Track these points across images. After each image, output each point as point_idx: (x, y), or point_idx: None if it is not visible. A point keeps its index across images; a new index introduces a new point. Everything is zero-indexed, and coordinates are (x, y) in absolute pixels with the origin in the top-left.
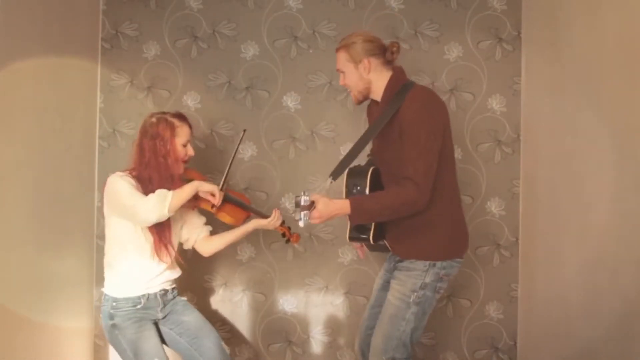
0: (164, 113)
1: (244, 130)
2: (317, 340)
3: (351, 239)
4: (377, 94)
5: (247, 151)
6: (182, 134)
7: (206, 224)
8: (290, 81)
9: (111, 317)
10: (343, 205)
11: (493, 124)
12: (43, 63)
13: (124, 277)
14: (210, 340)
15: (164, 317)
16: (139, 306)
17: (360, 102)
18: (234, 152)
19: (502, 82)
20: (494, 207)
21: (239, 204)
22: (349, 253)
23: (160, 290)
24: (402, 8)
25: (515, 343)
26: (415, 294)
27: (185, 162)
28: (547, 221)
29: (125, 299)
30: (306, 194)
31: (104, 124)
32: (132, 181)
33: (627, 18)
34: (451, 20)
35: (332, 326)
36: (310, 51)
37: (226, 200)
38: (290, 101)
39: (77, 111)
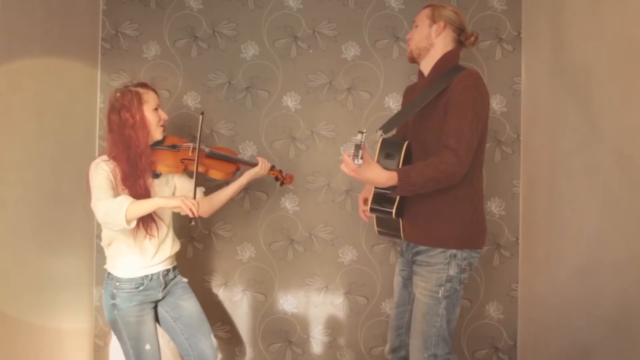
0: (126, 86)
1: (202, 114)
2: (317, 340)
3: (373, 210)
4: (429, 61)
5: (247, 151)
6: (150, 99)
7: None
8: (290, 81)
9: (113, 296)
10: (389, 177)
11: (493, 124)
12: (43, 63)
13: (124, 258)
14: (202, 332)
15: (163, 298)
16: (141, 288)
17: (411, 60)
18: (201, 119)
19: (502, 82)
20: (494, 207)
21: (225, 157)
22: (349, 253)
23: (163, 271)
24: (402, 8)
25: (515, 343)
26: (443, 287)
27: (162, 126)
28: (547, 221)
29: (129, 280)
30: (364, 134)
31: (104, 124)
32: (107, 168)
33: (627, 18)
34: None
35: (332, 326)
36: (310, 51)
37: (211, 156)
38: (290, 101)
39: (77, 111)
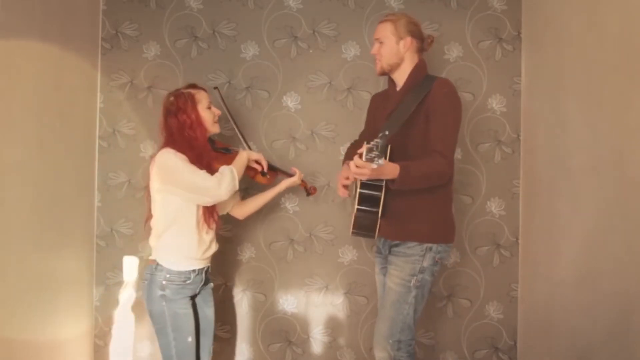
0: (177, 89)
1: (215, 88)
2: (317, 340)
3: (360, 211)
4: (401, 74)
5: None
6: (202, 98)
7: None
8: (290, 81)
9: (163, 288)
10: (394, 168)
11: (493, 124)
12: (43, 63)
13: (178, 251)
14: (208, 340)
15: (198, 294)
16: (188, 281)
17: (382, 74)
18: (228, 112)
19: (502, 82)
20: (494, 207)
21: (270, 165)
22: (349, 253)
23: (207, 267)
24: (402, 8)
25: (515, 343)
26: (415, 277)
27: (217, 122)
28: (547, 221)
29: (179, 273)
30: (387, 134)
31: (104, 124)
32: (186, 158)
33: (627, 18)
34: (451, 20)
35: (332, 326)
36: (310, 51)
37: (257, 163)
38: (290, 101)
39: (77, 111)
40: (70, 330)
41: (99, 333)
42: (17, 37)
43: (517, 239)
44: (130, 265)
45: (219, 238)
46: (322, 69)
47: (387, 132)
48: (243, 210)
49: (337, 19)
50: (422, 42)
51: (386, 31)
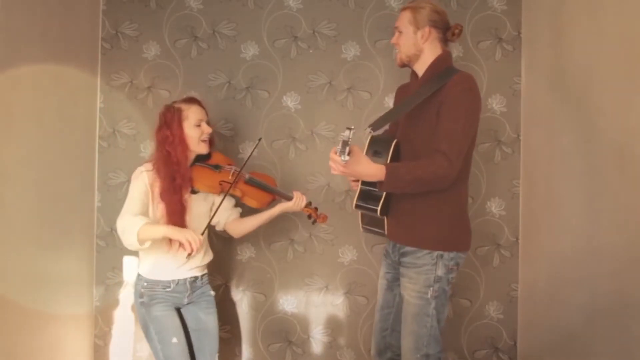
0: (174, 102)
1: (260, 139)
2: (317, 340)
3: (358, 207)
4: (422, 65)
5: (247, 151)
6: (192, 115)
7: (235, 206)
8: (290, 81)
9: (141, 295)
10: (377, 170)
11: (493, 124)
12: (43, 63)
13: (154, 262)
14: (210, 352)
15: (188, 303)
16: (168, 289)
17: (402, 65)
18: (256, 144)
19: (502, 82)
20: (494, 207)
21: (262, 187)
22: (349, 253)
23: (190, 277)
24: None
25: (515, 343)
26: (432, 288)
27: (204, 141)
28: (547, 221)
29: (156, 281)
30: (352, 131)
31: (104, 124)
32: (147, 180)
33: (627, 18)
34: (451, 20)
35: (332, 326)
36: (310, 51)
37: (250, 183)
38: (290, 101)
39: (77, 111)
40: (70, 330)
41: (99, 333)
42: (17, 37)
43: (517, 239)
44: (130, 266)
45: (219, 238)
46: (322, 69)
47: (352, 127)
48: (238, 229)
49: (337, 19)
50: (446, 32)
51: (404, 20)
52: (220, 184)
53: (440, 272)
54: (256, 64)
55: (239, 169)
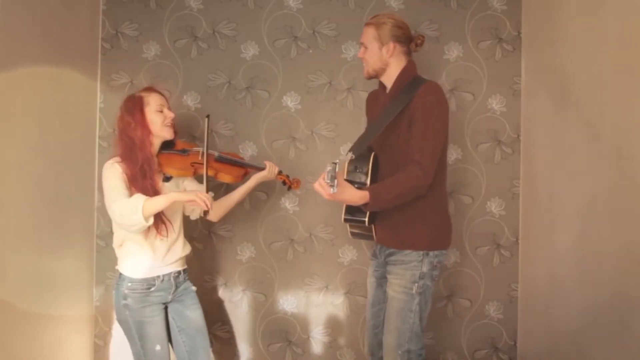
0: (133, 93)
1: (207, 116)
2: (317, 340)
3: (347, 220)
4: (389, 78)
5: (247, 151)
6: (152, 101)
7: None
8: (290, 81)
9: (125, 297)
10: (361, 196)
11: (493, 124)
12: (43, 63)
13: (136, 258)
14: (203, 348)
15: (172, 300)
16: (152, 289)
17: (369, 77)
18: (206, 122)
19: (502, 82)
20: (494, 207)
21: (234, 162)
22: (349, 253)
23: (174, 272)
24: (403, 8)
25: (515, 343)
26: (417, 284)
27: (168, 126)
28: (547, 221)
29: (140, 281)
30: (337, 164)
31: (104, 124)
32: (120, 169)
33: (627, 18)
34: (451, 20)
35: (332, 326)
36: (310, 51)
37: (220, 160)
38: (290, 101)
39: (77, 111)
40: (70, 330)
41: (99, 333)
42: (17, 37)
43: (517, 239)
44: None
45: (219, 238)
46: (322, 69)
47: (337, 162)
48: (216, 212)
49: (337, 19)
50: (409, 44)
51: (369, 36)
52: (192, 165)
53: (425, 268)
54: (256, 64)
55: (205, 149)
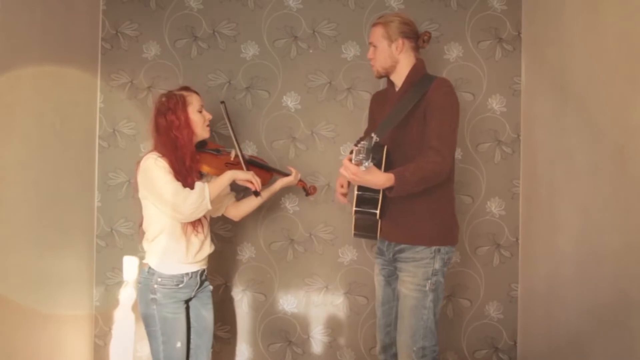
0: (170, 91)
1: (222, 102)
2: (317, 340)
3: (357, 212)
4: (399, 75)
5: (247, 151)
6: (194, 101)
7: (231, 189)
8: (290, 81)
9: (154, 291)
10: (387, 178)
11: (493, 124)
12: (43, 63)
13: (168, 255)
14: (206, 349)
15: (192, 297)
16: (181, 285)
17: (380, 77)
18: (229, 123)
19: (502, 82)
20: (494, 207)
21: (262, 166)
22: (349, 253)
23: (201, 270)
24: (403, 8)
25: (515, 343)
26: (430, 281)
27: (207, 126)
28: (547, 221)
29: (171, 277)
30: (372, 141)
31: (104, 124)
32: (166, 163)
33: (627, 18)
34: (451, 20)
35: (332, 326)
36: (310, 51)
37: (251, 164)
38: (290, 101)
39: (77, 111)
40: (70, 330)
41: (99, 333)
42: (17, 37)
43: (517, 239)
44: (130, 265)
45: (219, 238)
46: (322, 69)
47: (373, 136)
48: (237, 211)
49: (337, 19)
50: (417, 41)
51: (378, 35)
52: (226, 165)
53: (437, 265)
54: (256, 64)
55: (239, 151)
